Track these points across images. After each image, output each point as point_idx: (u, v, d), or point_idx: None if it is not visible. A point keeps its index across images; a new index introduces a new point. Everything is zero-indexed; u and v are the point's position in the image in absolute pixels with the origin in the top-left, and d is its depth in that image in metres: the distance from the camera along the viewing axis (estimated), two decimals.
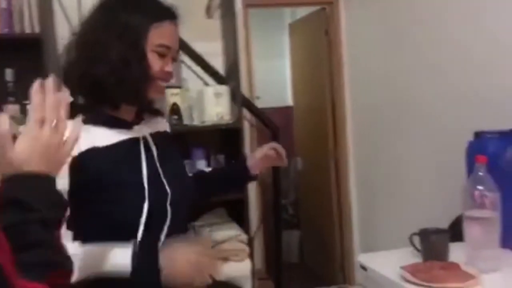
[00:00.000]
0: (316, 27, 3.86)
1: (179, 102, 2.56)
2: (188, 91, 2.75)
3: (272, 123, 3.03)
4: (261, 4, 3.68)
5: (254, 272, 2.66)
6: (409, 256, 1.67)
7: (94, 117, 1.24)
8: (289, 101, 5.02)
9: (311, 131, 4.17)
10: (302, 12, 4.21)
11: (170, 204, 1.30)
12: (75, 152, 1.16)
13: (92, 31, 1.25)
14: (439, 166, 2.59)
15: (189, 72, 2.86)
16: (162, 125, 1.46)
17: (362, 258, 1.78)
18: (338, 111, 3.69)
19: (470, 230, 1.54)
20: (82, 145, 1.19)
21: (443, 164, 2.51)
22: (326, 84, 3.77)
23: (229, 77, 2.86)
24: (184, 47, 2.74)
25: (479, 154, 1.55)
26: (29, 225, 0.67)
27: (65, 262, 0.72)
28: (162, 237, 1.27)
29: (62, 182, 1.09)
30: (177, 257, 1.18)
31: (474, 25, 2.29)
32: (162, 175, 1.32)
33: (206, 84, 2.87)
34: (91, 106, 1.26)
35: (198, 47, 2.83)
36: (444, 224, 1.88)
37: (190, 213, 1.44)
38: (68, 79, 1.21)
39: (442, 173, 2.53)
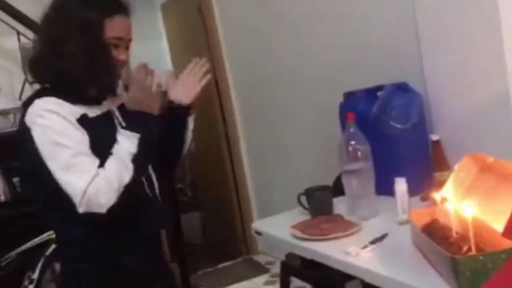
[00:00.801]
0: (189, 5, 3.84)
1: None
2: None
3: None
4: None
5: None
6: (299, 215, 1.77)
7: (65, 97, 1.28)
8: None
9: (199, 112, 4.17)
10: None
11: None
12: (72, 119, 1.26)
13: (51, 27, 1.32)
14: (319, 128, 2.75)
15: None
16: (122, 98, 1.46)
17: (256, 224, 1.86)
18: (222, 88, 3.73)
19: (348, 182, 1.67)
20: (76, 113, 1.27)
21: (322, 126, 2.67)
22: None
23: None
24: None
25: (348, 113, 1.68)
26: None
27: None
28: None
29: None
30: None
31: None
32: None
33: None
34: (58, 89, 1.31)
35: None
36: (331, 181, 2.01)
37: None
38: (35, 73, 1.34)
39: (323, 134, 2.68)
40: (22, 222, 2.33)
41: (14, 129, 2.57)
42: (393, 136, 1.79)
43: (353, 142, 1.63)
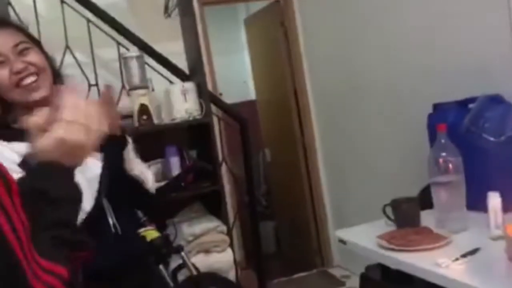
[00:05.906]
0: (271, 19, 3.93)
1: (147, 103, 2.59)
2: (154, 91, 2.78)
3: (239, 116, 3.08)
4: (216, 1, 3.72)
5: (236, 261, 2.71)
6: (383, 226, 1.76)
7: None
8: (251, 95, 5.08)
9: (277, 122, 4.25)
10: (256, 6, 4.28)
11: None
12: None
13: None
14: (401, 139, 2.71)
15: (153, 72, 2.86)
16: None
17: (339, 233, 1.86)
18: (301, 100, 3.78)
19: (438, 195, 1.64)
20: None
21: (407, 138, 2.62)
22: (287, 74, 3.85)
23: (193, 74, 2.88)
24: (146, 47, 2.75)
25: (439, 124, 1.66)
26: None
27: (86, 242, 0.73)
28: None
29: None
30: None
31: (425, 6, 2.41)
32: None
33: (171, 82, 2.89)
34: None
35: (160, 47, 2.84)
36: (411, 194, 1.97)
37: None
38: None
39: (406, 146, 2.64)
40: None
41: None
42: (486, 149, 1.73)
43: (444, 154, 1.61)
